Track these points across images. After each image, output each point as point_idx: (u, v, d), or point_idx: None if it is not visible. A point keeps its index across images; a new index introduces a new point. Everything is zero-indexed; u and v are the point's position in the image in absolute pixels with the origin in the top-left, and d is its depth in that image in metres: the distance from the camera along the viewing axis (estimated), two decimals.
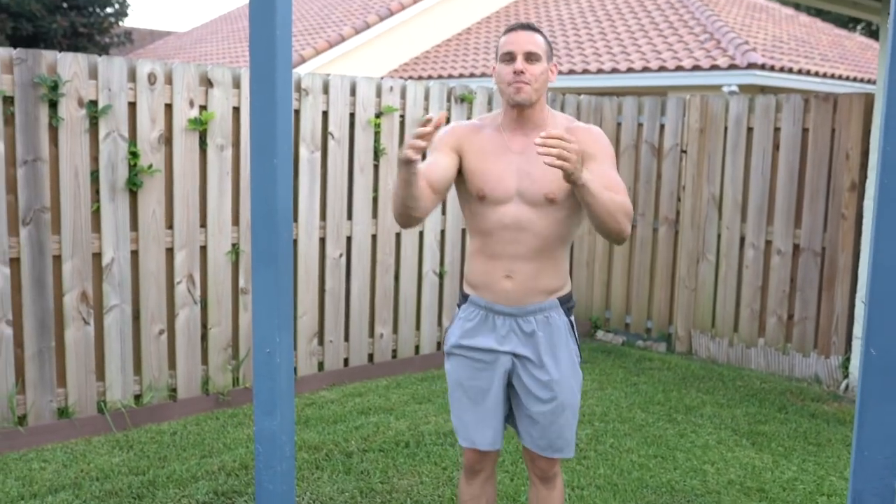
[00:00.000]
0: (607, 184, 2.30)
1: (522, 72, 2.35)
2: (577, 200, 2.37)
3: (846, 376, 5.04)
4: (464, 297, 2.56)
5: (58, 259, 3.87)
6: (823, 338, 5.17)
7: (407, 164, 2.19)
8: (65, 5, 13.39)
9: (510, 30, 2.43)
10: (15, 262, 3.75)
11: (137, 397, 4.18)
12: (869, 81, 10.63)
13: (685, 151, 5.76)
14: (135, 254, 4.10)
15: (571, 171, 2.09)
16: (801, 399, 4.83)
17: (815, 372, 5.18)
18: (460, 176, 2.48)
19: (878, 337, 1.80)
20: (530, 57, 2.36)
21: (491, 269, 2.43)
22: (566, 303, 2.50)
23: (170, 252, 4.21)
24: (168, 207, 4.19)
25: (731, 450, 4.01)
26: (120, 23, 14.98)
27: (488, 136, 2.45)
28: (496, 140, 2.44)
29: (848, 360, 5.05)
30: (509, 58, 2.38)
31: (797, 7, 14.71)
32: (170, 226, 4.20)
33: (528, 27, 2.42)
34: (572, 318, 2.53)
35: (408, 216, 2.33)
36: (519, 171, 2.38)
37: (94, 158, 3.93)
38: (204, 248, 4.33)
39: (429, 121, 2.13)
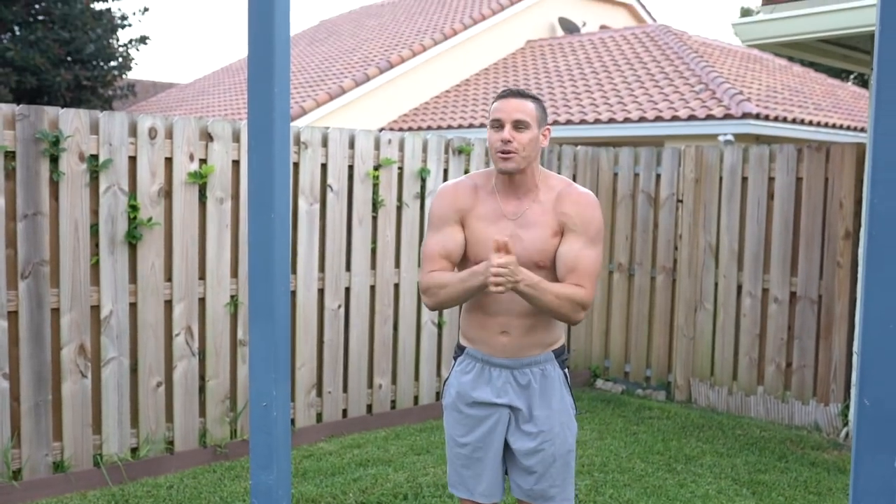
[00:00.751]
0: (572, 265, 2.39)
1: (510, 140, 2.38)
2: None
3: (846, 424, 5.01)
4: (460, 349, 2.58)
5: (56, 312, 3.88)
6: (822, 385, 5.15)
7: (484, 288, 2.33)
8: (69, 59, 13.59)
9: (501, 96, 2.46)
10: (13, 315, 3.76)
11: (134, 450, 4.16)
12: (862, 130, 10.74)
13: (681, 201, 5.80)
14: (133, 306, 4.11)
15: (509, 287, 2.25)
16: (801, 447, 4.80)
17: (814, 420, 5.16)
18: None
19: (871, 387, 1.80)
20: (518, 125, 2.39)
21: (487, 324, 2.47)
22: (560, 355, 2.53)
23: (168, 304, 4.23)
24: (167, 260, 4.22)
25: (732, 500, 3.97)
26: (123, 76, 15.19)
27: (483, 201, 2.49)
28: (491, 205, 2.48)
29: (847, 407, 5.03)
30: (498, 125, 2.42)
31: (790, 58, 14.92)
32: (169, 278, 4.22)
33: (519, 94, 2.44)
34: (566, 370, 2.56)
35: (449, 306, 2.51)
36: (512, 237, 2.40)
37: (94, 212, 3.97)
38: (202, 300, 4.35)
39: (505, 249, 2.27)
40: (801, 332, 5.23)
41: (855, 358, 4.93)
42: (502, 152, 2.40)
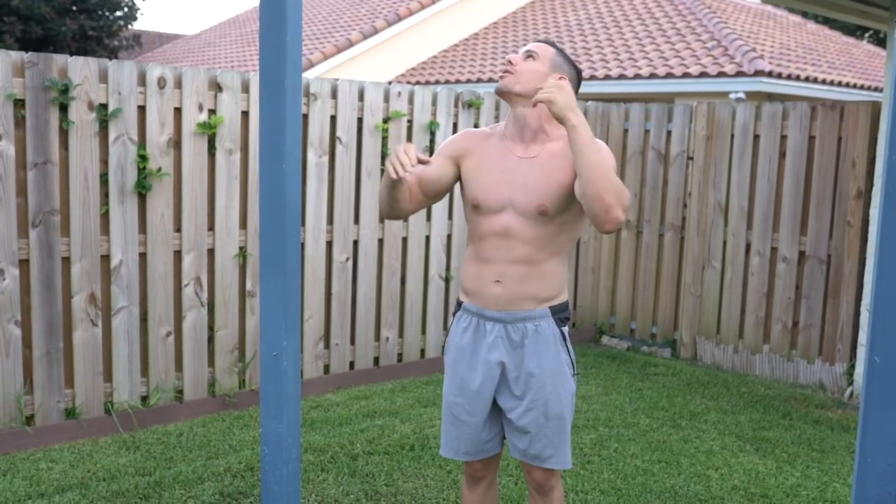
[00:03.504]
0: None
1: (512, 62, 2.41)
2: (570, 214, 2.38)
3: (850, 383, 5.04)
4: (458, 304, 2.57)
5: (66, 261, 3.89)
6: (828, 345, 5.17)
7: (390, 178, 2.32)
8: (74, 9, 13.46)
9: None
10: (24, 264, 3.78)
11: (144, 398, 4.20)
12: (876, 89, 10.63)
13: (692, 158, 5.77)
14: (143, 256, 4.13)
15: (553, 100, 2.12)
16: (806, 406, 4.83)
17: (819, 379, 5.18)
18: (462, 182, 2.51)
19: (882, 345, 1.81)
20: (528, 54, 2.42)
21: (482, 273, 2.43)
22: (558, 313, 2.45)
23: (178, 255, 4.24)
24: (176, 211, 4.22)
25: (735, 455, 4.01)
26: (129, 26, 15.05)
27: (492, 145, 2.47)
28: (498, 149, 2.45)
29: (853, 367, 5.05)
30: (513, 52, 2.45)
31: (805, 15, 14.71)
32: (178, 229, 4.23)
33: (546, 41, 2.47)
34: (565, 328, 2.49)
35: (389, 212, 2.50)
36: (514, 182, 2.38)
37: (104, 161, 3.96)
38: (212, 252, 4.36)
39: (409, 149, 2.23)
40: (808, 292, 5.24)
41: (865, 316, 4.94)
42: (504, 72, 2.41)
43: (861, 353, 4.96)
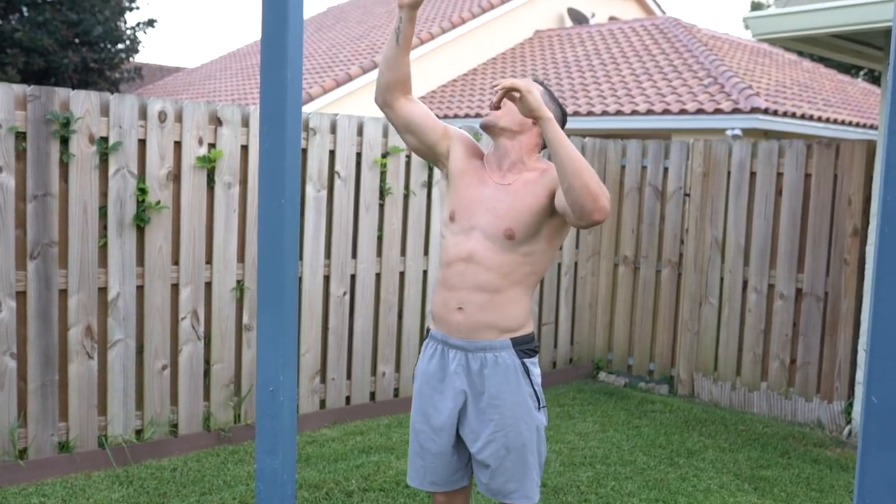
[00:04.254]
0: None
1: (495, 101, 2.41)
2: (536, 244, 2.40)
3: (849, 422, 5.02)
4: (427, 331, 2.59)
5: (64, 293, 3.89)
6: (826, 383, 5.16)
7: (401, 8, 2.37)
8: (77, 41, 13.58)
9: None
10: (21, 296, 3.78)
11: (139, 432, 4.18)
12: (872, 127, 10.71)
13: (688, 195, 5.80)
14: (140, 289, 4.13)
15: (529, 90, 2.15)
16: (804, 444, 4.81)
17: (817, 417, 5.16)
18: (444, 185, 2.56)
19: (880, 384, 1.81)
20: (510, 90, 2.39)
21: (447, 300, 2.45)
22: (521, 344, 2.44)
23: (175, 288, 4.24)
24: (175, 243, 4.23)
25: (734, 495, 3.99)
26: (131, 59, 15.17)
27: (478, 165, 2.52)
28: (480, 172, 2.50)
29: (851, 405, 5.04)
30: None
31: (800, 53, 14.87)
32: (176, 262, 4.23)
33: (535, 80, 2.50)
34: (529, 360, 2.46)
35: (384, 69, 2.47)
36: (485, 205, 2.42)
37: (103, 194, 3.98)
38: (209, 285, 4.36)
39: None
40: (806, 329, 5.23)
41: (862, 355, 4.93)
42: (490, 108, 2.45)
43: (859, 391, 4.95)
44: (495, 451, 2.42)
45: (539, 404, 2.48)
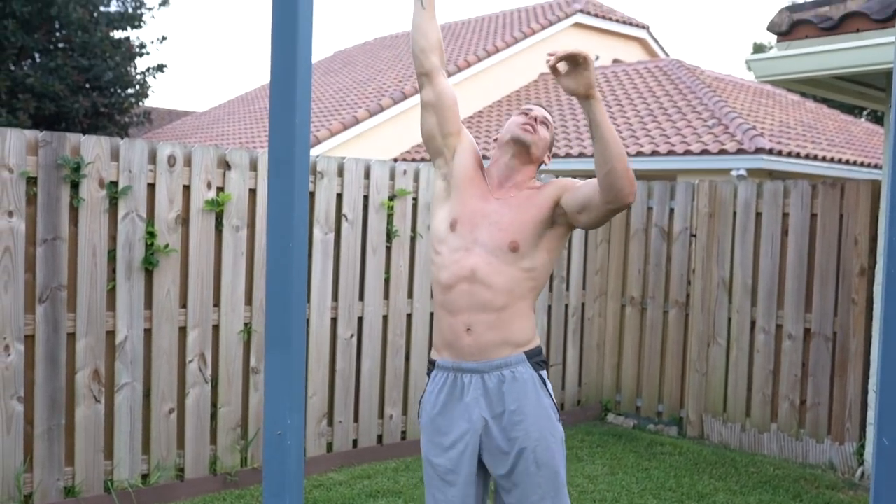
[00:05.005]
0: (588, 181, 2.42)
1: (534, 123, 2.50)
2: (538, 257, 2.42)
3: (861, 463, 4.96)
4: (431, 364, 2.54)
5: (72, 336, 3.90)
6: (837, 424, 5.11)
7: None
8: (87, 86, 13.76)
9: (529, 105, 2.62)
10: (29, 339, 3.79)
11: (145, 477, 4.15)
12: (876, 166, 10.74)
13: (695, 235, 5.80)
14: (148, 332, 4.13)
15: (589, 63, 2.13)
16: (816, 487, 4.75)
17: (829, 458, 5.11)
18: (441, 189, 2.56)
19: (890, 425, 1.79)
20: (544, 121, 2.55)
21: (453, 325, 2.43)
22: (533, 357, 2.44)
23: (183, 331, 4.25)
24: (182, 286, 4.24)
25: None
26: (140, 103, 15.36)
27: (480, 175, 2.56)
28: (482, 182, 2.53)
29: (863, 446, 4.98)
30: (528, 112, 2.55)
31: (803, 94, 14.96)
32: (184, 304, 4.25)
33: (539, 105, 2.65)
34: (543, 372, 2.47)
35: (415, 32, 2.54)
36: (488, 219, 2.44)
37: (112, 238, 4.01)
38: (217, 328, 4.36)
39: None
40: (815, 370, 5.20)
41: (872, 396, 4.89)
42: (526, 125, 2.49)
43: (870, 431, 4.90)
44: (525, 468, 2.38)
45: (558, 416, 2.48)
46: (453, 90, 2.61)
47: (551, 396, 2.47)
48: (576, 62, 2.15)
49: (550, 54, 2.16)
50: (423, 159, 12.33)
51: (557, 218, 2.44)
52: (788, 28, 4.50)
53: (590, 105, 2.18)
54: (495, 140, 2.64)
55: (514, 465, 2.39)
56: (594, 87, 2.18)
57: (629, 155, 9.94)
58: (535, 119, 2.51)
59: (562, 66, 2.17)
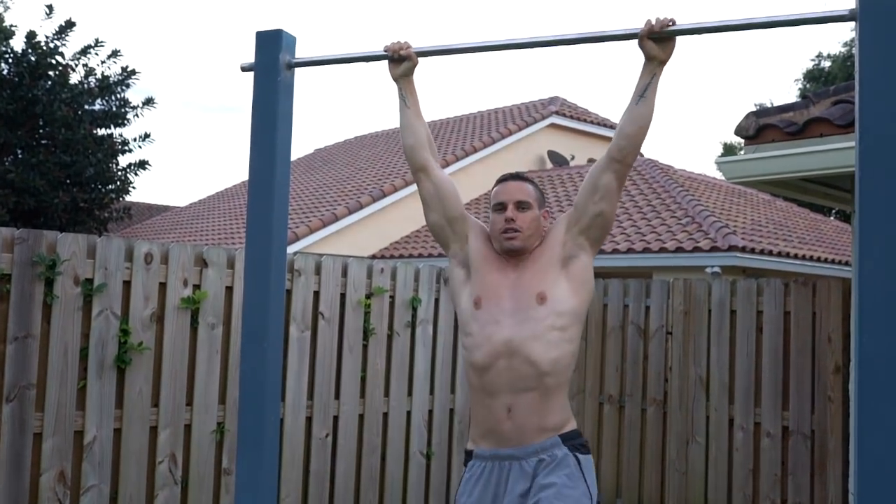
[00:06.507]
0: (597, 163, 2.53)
1: (513, 219, 2.48)
2: (567, 299, 2.42)
3: None
4: (468, 455, 2.49)
5: (38, 437, 3.81)
6: None
7: (395, 71, 2.47)
8: (68, 181, 13.81)
9: (501, 181, 2.60)
10: None
11: None
12: (846, 263, 10.92)
13: (671, 333, 5.83)
14: (118, 432, 4.04)
15: (673, 40, 2.21)
16: None
17: None
18: (460, 276, 2.55)
19: None
20: (521, 205, 2.52)
21: (492, 406, 2.39)
22: (571, 440, 2.40)
23: (154, 430, 4.16)
24: (155, 385, 4.18)
25: None
26: (121, 198, 15.41)
27: (493, 249, 2.57)
28: (497, 258, 2.54)
29: None
30: (500, 207, 2.53)
31: (774, 194, 15.29)
32: (155, 403, 4.17)
33: (518, 177, 2.60)
34: (581, 456, 2.41)
35: (405, 134, 2.59)
36: (511, 286, 2.45)
37: (85, 335, 3.96)
38: (188, 427, 4.28)
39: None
40: (794, 468, 5.16)
41: (851, 499, 4.84)
42: (506, 231, 2.49)
43: None
44: None
45: (594, 501, 2.39)
46: (450, 178, 2.67)
47: (589, 486, 2.40)
48: (670, 35, 2.23)
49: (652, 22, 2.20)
50: (401, 256, 12.40)
51: (573, 249, 2.48)
52: (755, 132, 4.64)
53: (660, 70, 2.28)
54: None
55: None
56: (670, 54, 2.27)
57: (605, 252, 10.07)
58: (510, 219, 2.50)
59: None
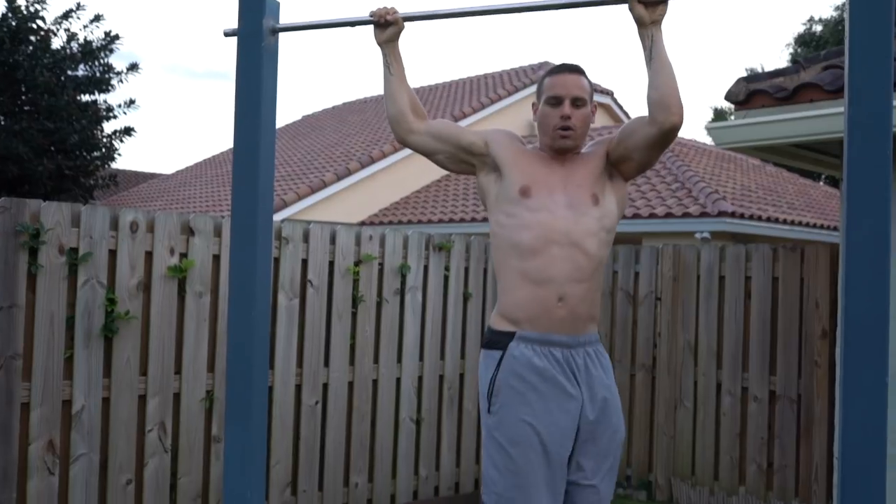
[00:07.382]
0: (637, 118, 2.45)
1: (569, 116, 2.41)
2: (611, 206, 2.43)
3: None
4: (505, 335, 2.38)
5: (26, 406, 3.79)
6: (804, 486, 5.10)
7: (380, 36, 2.39)
8: (52, 149, 13.67)
9: (557, 71, 2.49)
10: None
11: None
12: (834, 229, 10.96)
13: (660, 299, 5.85)
14: (106, 401, 4.04)
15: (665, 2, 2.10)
16: None
17: None
18: (492, 179, 2.51)
19: (852, 494, 1.80)
20: (577, 101, 2.44)
21: (540, 296, 2.33)
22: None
23: (142, 399, 4.15)
24: (143, 354, 4.16)
25: None
26: (106, 166, 15.27)
27: (532, 151, 2.53)
28: (539, 154, 2.50)
29: None
30: (556, 101, 2.45)
31: (764, 160, 15.29)
32: (144, 372, 4.16)
33: (575, 69, 2.49)
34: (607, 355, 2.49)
35: (390, 105, 2.51)
36: (563, 180, 2.42)
37: (71, 305, 3.93)
38: (177, 395, 4.28)
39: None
40: (781, 432, 5.21)
41: (835, 463, 4.90)
42: (562, 129, 2.42)
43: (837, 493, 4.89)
44: (612, 466, 2.41)
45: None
46: (439, 119, 2.62)
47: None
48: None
49: None
50: (390, 222, 12.37)
51: (612, 170, 2.46)
52: (745, 98, 4.62)
53: (659, 32, 2.18)
54: (535, 108, 2.59)
55: (599, 465, 2.39)
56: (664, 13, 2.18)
57: None
58: (566, 116, 2.41)
59: None
